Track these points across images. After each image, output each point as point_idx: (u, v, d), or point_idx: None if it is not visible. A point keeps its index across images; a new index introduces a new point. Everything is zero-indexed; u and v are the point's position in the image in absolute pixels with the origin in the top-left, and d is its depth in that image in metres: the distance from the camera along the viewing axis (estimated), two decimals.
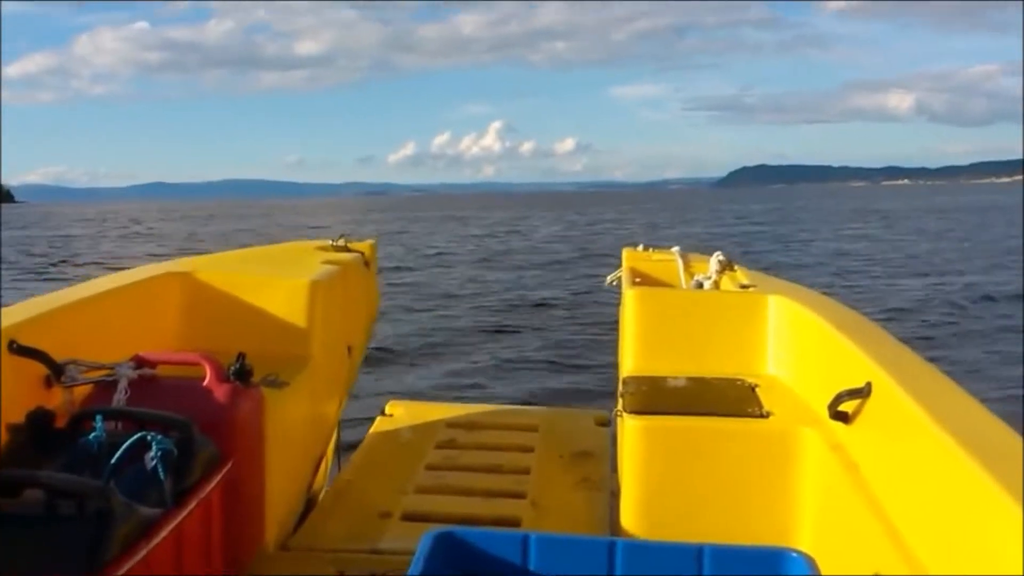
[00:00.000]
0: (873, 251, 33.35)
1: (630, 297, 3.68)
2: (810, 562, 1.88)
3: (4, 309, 3.12)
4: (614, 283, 4.98)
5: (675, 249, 5.15)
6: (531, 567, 1.99)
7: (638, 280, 4.69)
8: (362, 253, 5.02)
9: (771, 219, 63.32)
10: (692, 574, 1.93)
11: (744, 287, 4.04)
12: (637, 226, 53.16)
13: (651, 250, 5.46)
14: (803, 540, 2.70)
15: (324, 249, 4.98)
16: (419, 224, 66.20)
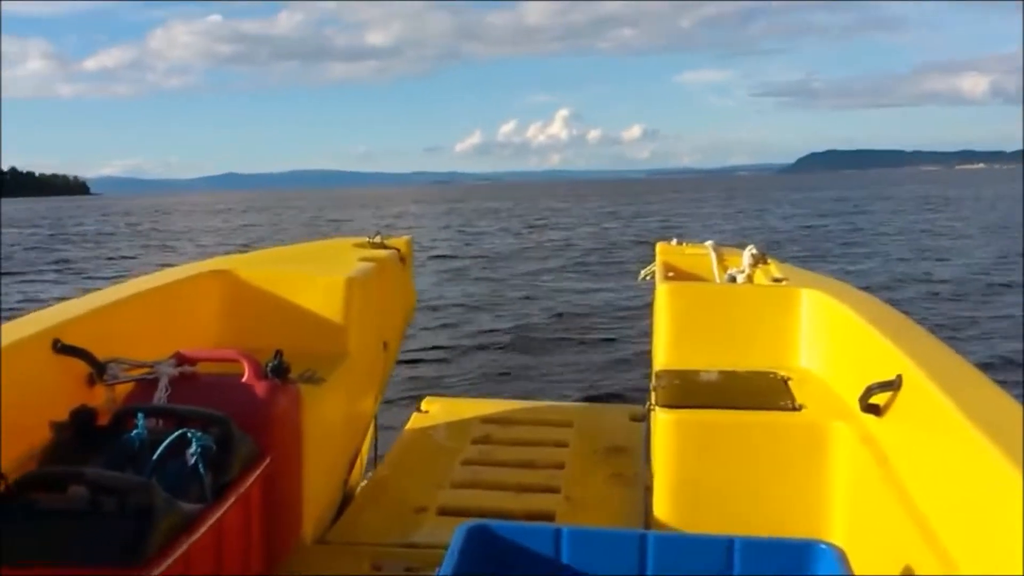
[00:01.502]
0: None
1: (663, 291, 3.69)
2: (840, 555, 1.89)
3: (48, 309, 3.23)
4: (648, 278, 4.96)
5: (709, 243, 5.12)
6: (563, 560, 2.02)
7: (671, 275, 4.67)
8: (398, 250, 5.05)
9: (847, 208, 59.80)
10: (723, 565, 1.94)
11: (777, 280, 4.03)
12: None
13: (685, 244, 5.44)
14: (834, 533, 2.70)
15: (361, 246, 5.02)
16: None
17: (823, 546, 1.93)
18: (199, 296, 3.87)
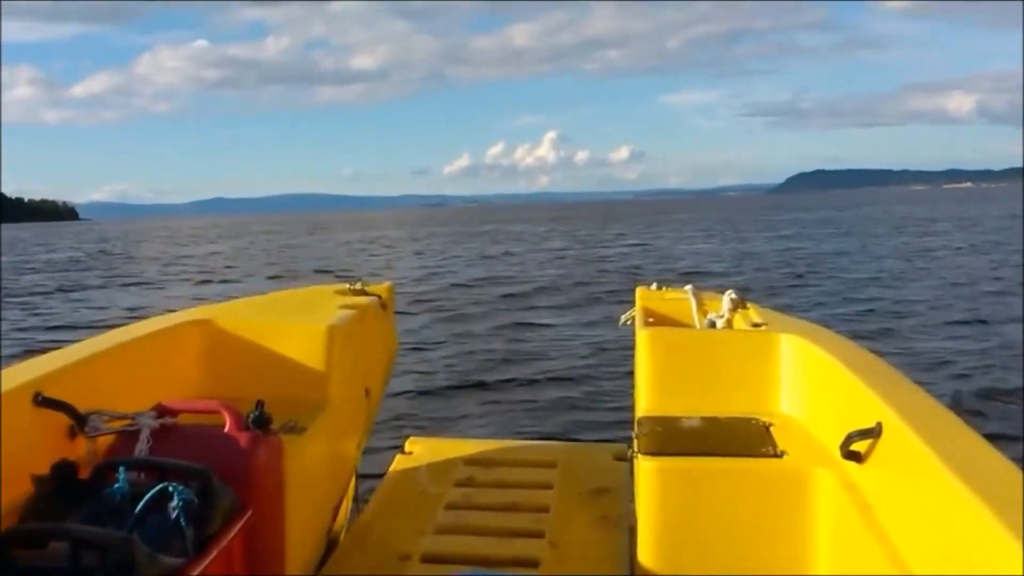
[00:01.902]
0: None
1: (643, 338, 3.71)
2: None
3: (29, 361, 3.21)
4: (628, 323, 4.98)
5: (688, 288, 5.17)
6: None
7: (651, 320, 4.71)
8: (379, 296, 5.07)
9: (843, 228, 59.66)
10: None
11: (756, 325, 4.06)
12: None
13: (664, 288, 5.48)
14: None
15: (342, 293, 5.04)
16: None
17: None
18: (180, 346, 3.87)
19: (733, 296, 4.47)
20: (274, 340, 3.88)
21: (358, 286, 5.14)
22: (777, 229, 60.93)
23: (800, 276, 27.27)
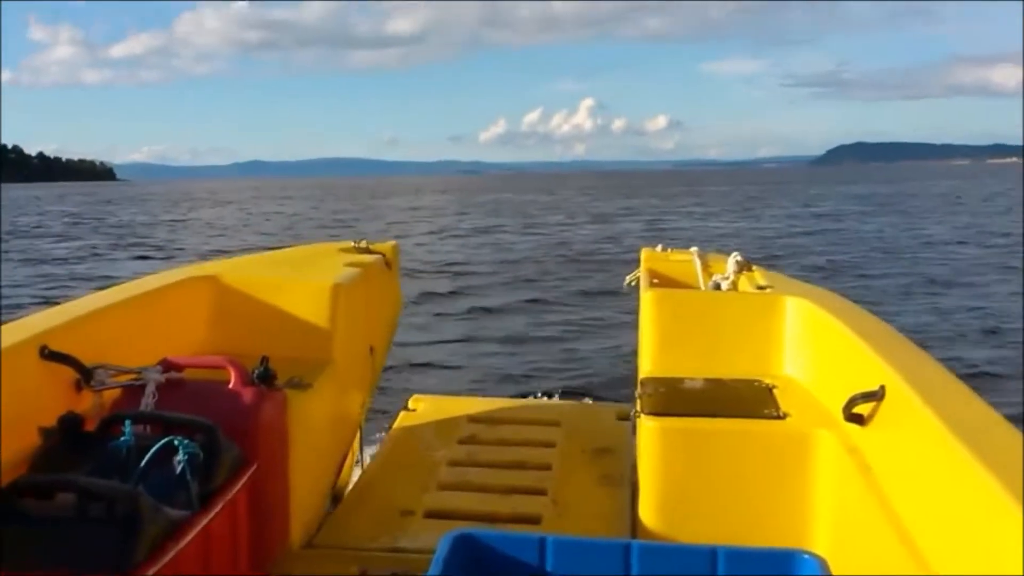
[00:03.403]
0: None
1: (648, 299, 3.71)
2: (822, 564, 1.91)
3: (35, 315, 3.23)
4: (632, 284, 4.97)
5: (693, 249, 5.16)
6: (548, 568, 2.03)
7: (656, 281, 4.70)
8: (383, 255, 5.07)
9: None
10: (706, 575, 1.96)
11: (761, 288, 4.05)
12: None
13: (670, 251, 5.47)
14: (817, 541, 2.74)
15: (347, 251, 5.04)
16: None
17: (805, 555, 1.95)
18: (186, 302, 3.88)
19: (738, 259, 4.46)
20: (279, 297, 3.89)
21: (363, 244, 5.14)
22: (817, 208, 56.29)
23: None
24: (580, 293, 19.80)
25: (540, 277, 23.06)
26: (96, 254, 32.00)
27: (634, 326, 3.88)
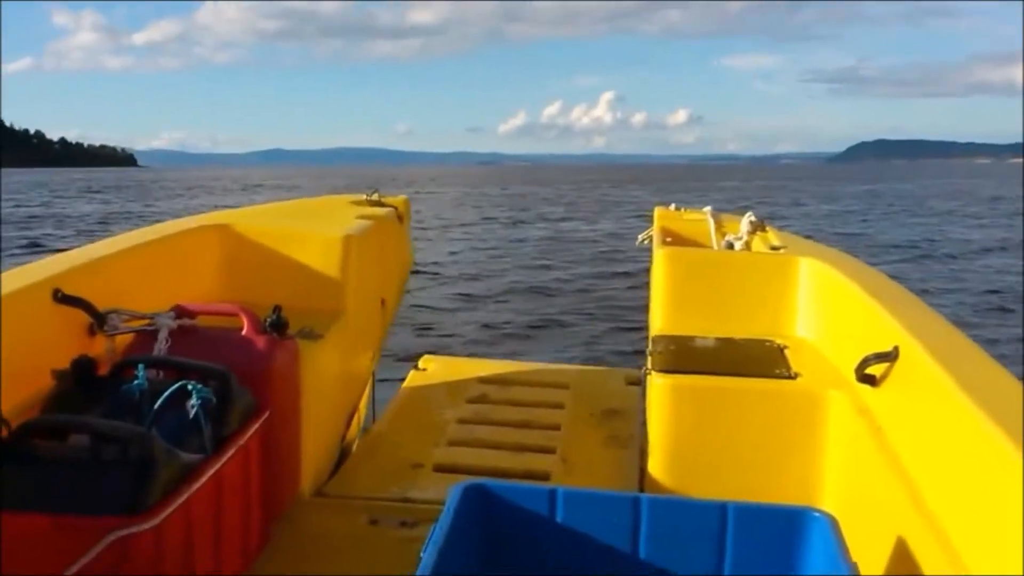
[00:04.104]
0: None
1: (660, 256, 3.70)
2: (832, 522, 1.91)
3: (49, 259, 3.24)
4: (646, 242, 4.96)
5: (707, 209, 5.15)
6: (558, 520, 2.05)
7: (669, 239, 4.68)
8: (396, 208, 5.06)
9: None
10: (715, 530, 1.97)
11: (775, 248, 4.04)
12: None
13: (683, 210, 5.44)
14: (827, 500, 2.73)
15: (359, 203, 5.03)
16: None
17: (815, 513, 1.96)
18: (198, 249, 3.89)
19: (752, 219, 4.44)
20: (292, 247, 3.89)
21: (375, 196, 5.14)
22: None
23: None
24: None
25: None
26: None
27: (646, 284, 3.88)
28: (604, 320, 13.92)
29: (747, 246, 4.33)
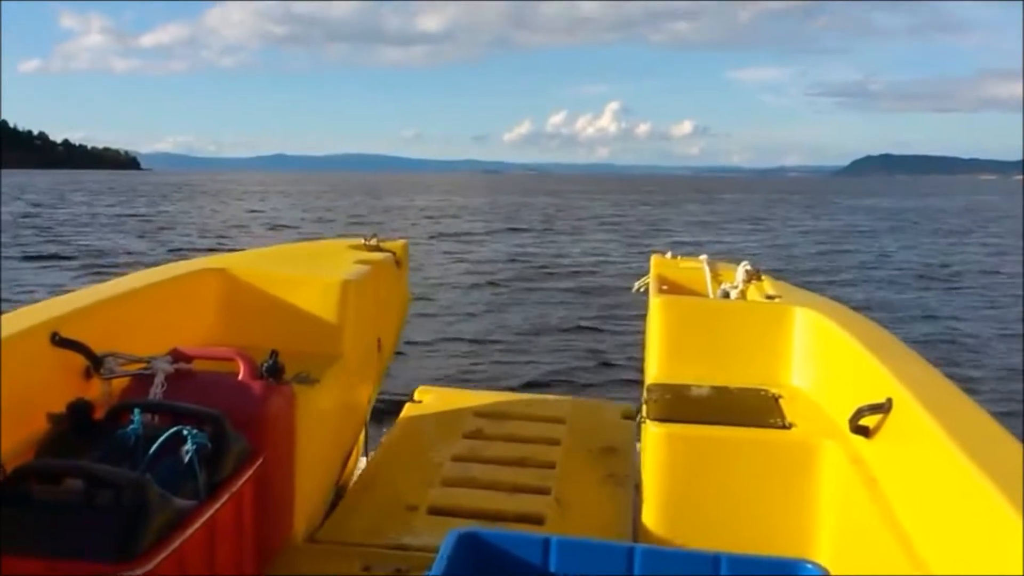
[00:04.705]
0: None
1: (656, 305, 3.72)
2: (825, 574, 1.90)
3: (47, 301, 3.26)
4: (641, 290, 4.98)
5: (703, 257, 5.18)
6: (552, 569, 2.04)
7: (665, 288, 4.70)
8: (393, 253, 5.10)
9: None
10: None
11: (770, 297, 4.06)
12: None
13: (679, 258, 5.46)
14: (820, 551, 2.74)
15: (357, 248, 5.07)
16: None
17: (808, 565, 1.95)
18: (196, 293, 3.90)
19: (748, 267, 4.47)
20: (289, 291, 3.91)
21: (373, 241, 5.17)
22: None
23: None
24: None
25: None
26: None
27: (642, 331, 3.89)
28: None
29: (743, 295, 4.35)
